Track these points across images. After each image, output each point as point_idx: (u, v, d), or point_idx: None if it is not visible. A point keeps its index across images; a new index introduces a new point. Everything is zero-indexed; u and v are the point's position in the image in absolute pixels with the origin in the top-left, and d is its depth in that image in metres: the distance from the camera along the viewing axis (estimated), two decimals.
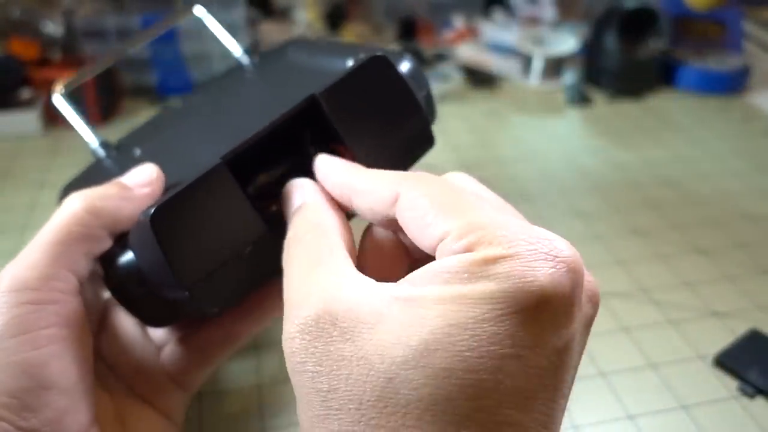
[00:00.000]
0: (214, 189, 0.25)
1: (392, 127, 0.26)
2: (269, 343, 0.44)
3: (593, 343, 0.44)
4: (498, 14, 0.95)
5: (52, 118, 0.72)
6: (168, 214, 0.24)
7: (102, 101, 0.72)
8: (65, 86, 0.39)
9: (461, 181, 0.25)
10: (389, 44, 0.96)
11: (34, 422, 0.24)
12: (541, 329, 0.17)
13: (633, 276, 0.51)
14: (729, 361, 0.42)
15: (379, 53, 0.27)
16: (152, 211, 0.24)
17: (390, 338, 0.17)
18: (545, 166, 0.67)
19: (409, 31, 0.92)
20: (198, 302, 0.25)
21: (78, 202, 0.27)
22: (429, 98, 0.32)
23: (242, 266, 0.25)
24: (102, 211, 0.27)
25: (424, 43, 0.91)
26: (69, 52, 0.77)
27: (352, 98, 0.26)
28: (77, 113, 0.37)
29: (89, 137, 0.38)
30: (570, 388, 0.19)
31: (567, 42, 0.85)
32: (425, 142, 0.28)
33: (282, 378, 0.41)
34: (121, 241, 0.28)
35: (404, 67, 0.31)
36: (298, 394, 0.19)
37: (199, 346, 0.31)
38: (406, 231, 0.21)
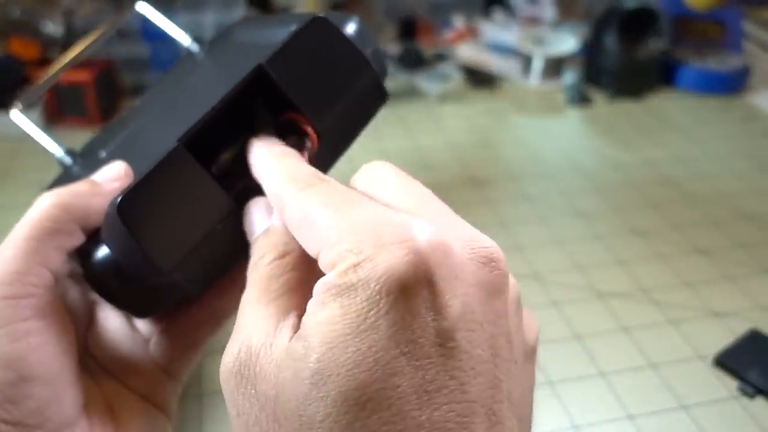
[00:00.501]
0: (175, 171, 0.25)
1: (342, 86, 0.27)
2: None
3: (593, 343, 0.44)
4: (498, 14, 0.95)
5: (52, 118, 0.72)
6: (134, 202, 0.24)
7: (102, 101, 0.72)
8: (23, 101, 0.39)
9: (364, 176, 0.23)
10: (389, 44, 0.96)
11: (17, 414, 0.24)
12: (413, 318, 0.17)
13: (633, 276, 0.51)
14: (729, 361, 0.42)
15: (318, 15, 0.27)
16: (118, 200, 0.24)
17: (289, 377, 0.17)
18: (545, 166, 0.66)
19: (409, 31, 0.92)
20: (177, 285, 0.25)
21: (48, 199, 0.28)
22: (378, 55, 0.32)
23: (215, 244, 0.25)
24: (71, 207, 0.28)
25: (424, 43, 0.91)
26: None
27: (298, 63, 0.26)
28: (36, 125, 0.38)
29: (53, 147, 0.38)
30: (498, 364, 0.18)
31: (567, 42, 0.85)
32: (379, 97, 0.29)
33: None
34: (95, 236, 0.28)
35: (350, 28, 0.31)
36: None
37: (183, 331, 0.32)
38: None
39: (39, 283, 0.27)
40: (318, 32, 0.27)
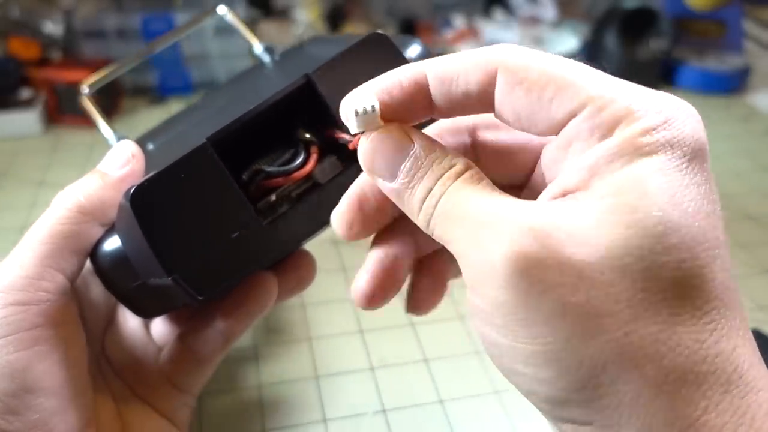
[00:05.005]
0: (198, 170, 0.24)
1: None
2: (269, 343, 0.44)
3: None
4: (498, 14, 0.95)
5: (52, 117, 0.72)
6: (148, 195, 0.23)
7: (101, 101, 0.72)
8: (90, 85, 0.40)
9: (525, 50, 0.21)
10: None
11: (18, 425, 0.23)
12: (709, 177, 0.19)
13: None
14: None
15: (377, 32, 0.26)
16: (132, 191, 0.23)
17: (619, 233, 0.17)
18: None
19: (409, 31, 0.92)
20: (180, 287, 0.24)
21: (62, 201, 0.27)
22: None
23: (229, 253, 0.24)
24: (87, 207, 0.27)
25: (425, 42, 0.91)
26: (69, 52, 0.77)
27: (349, 77, 0.24)
28: (99, 111, 0.38)
29: (108, 134, 0.38)
30: None
31: (567, 42, 0.85)
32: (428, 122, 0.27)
33: (282, 378, 0.41)
34: (111, 227, 0.28)
35: (413, 51, 0.30)
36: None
37: (192, 348, 0.31)
38: (506, 115, 0.20)
39: (51, 289, 0.26)
40: (374, 49, 0.26)
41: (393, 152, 0.20)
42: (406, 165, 0.20)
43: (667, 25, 0.83)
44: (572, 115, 0.19)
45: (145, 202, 0.23)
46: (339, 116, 0.25)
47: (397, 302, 0.48)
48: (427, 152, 0.20)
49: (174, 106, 0.77)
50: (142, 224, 0.23)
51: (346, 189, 0.25)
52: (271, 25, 0.89)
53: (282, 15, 0.92)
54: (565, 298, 0.17)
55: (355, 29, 0.91)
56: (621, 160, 0.18)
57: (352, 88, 0.22)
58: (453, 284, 0.50)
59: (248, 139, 0.26)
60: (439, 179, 0.19)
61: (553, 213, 0.18)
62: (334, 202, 0.26)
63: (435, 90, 0.20)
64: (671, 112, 0.18)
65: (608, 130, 0.18)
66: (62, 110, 0.72)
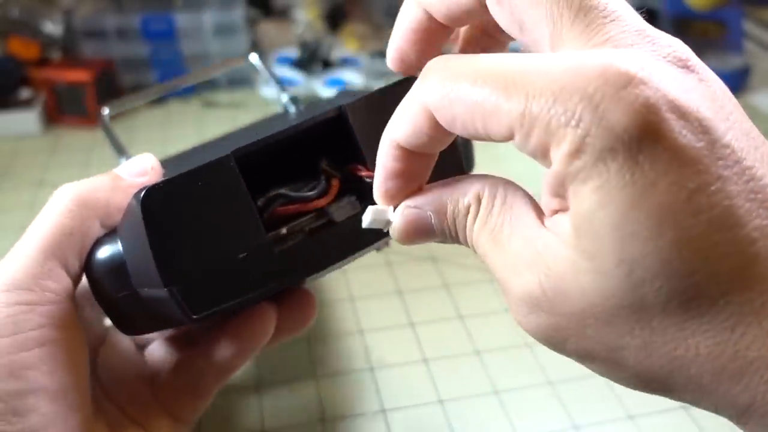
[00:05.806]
0: (216, 181, 0.23)
1: None
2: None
3: None
4: None
5: (52, 117, 0.72)
6: (160, 198, 0.22)
7: (101, 101, 0.72)
8: (111, 108, 0.40)
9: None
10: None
11: (20, 427, 0.23)
12: (682, 150, 0.16)
13: None
14: None
15: (413, 77, 0.26)
16: (144, 191, 0.23)
17: (589, 282, 0.16)
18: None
19: None
20: (175, 301, 0.23)
21: (67, 194, 0.26)
22: (467, 143, 0.30)
23: (232, 273, 0.23)
24: (91, 202, 0.26)
25: None
26: (68, 52, 0.77)
27: (381, 117, 0.24)
28: (117, 137, 0.38)
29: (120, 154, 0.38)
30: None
31: None
32: (456, 171, 0.26)
33: (282, 378, 0.41)
34: (110, 233, 0.27)
35: None
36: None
37: (188, 380, 0.30)
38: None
39: (57, 289, 0.25)
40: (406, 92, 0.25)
41: (417, 229, 0.21)
42: (435, 229, 0.21)
43: (667, 25, 0.83)
44: (509, 137, 0.17)
45: (156, 204, 0.22)
46: (365, 152, 0.25)
47: (397, 302, 0.48)
48: (442, 212, 0.21)
49: (174, 106, 0.77)
50: (149, 227, 0.22)
51: (360, 230, 0.24)
52: (270, 24, 0.89)
53: (282, 15, 0.92)
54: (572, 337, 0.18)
55: (355, 29, 0.90)
56: (571, 188, 0.16)
57: (383, 128, 0.22)
58: (453, 284, 0.50)
59: (273, 165, 0.25)
60: (464, 229, 0.21)
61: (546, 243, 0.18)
62: (346, 243, 0.25)
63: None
64: (592, 107, 0.15)
65: (544, 157, 0.16)
66: (62, 110, 0.72)
